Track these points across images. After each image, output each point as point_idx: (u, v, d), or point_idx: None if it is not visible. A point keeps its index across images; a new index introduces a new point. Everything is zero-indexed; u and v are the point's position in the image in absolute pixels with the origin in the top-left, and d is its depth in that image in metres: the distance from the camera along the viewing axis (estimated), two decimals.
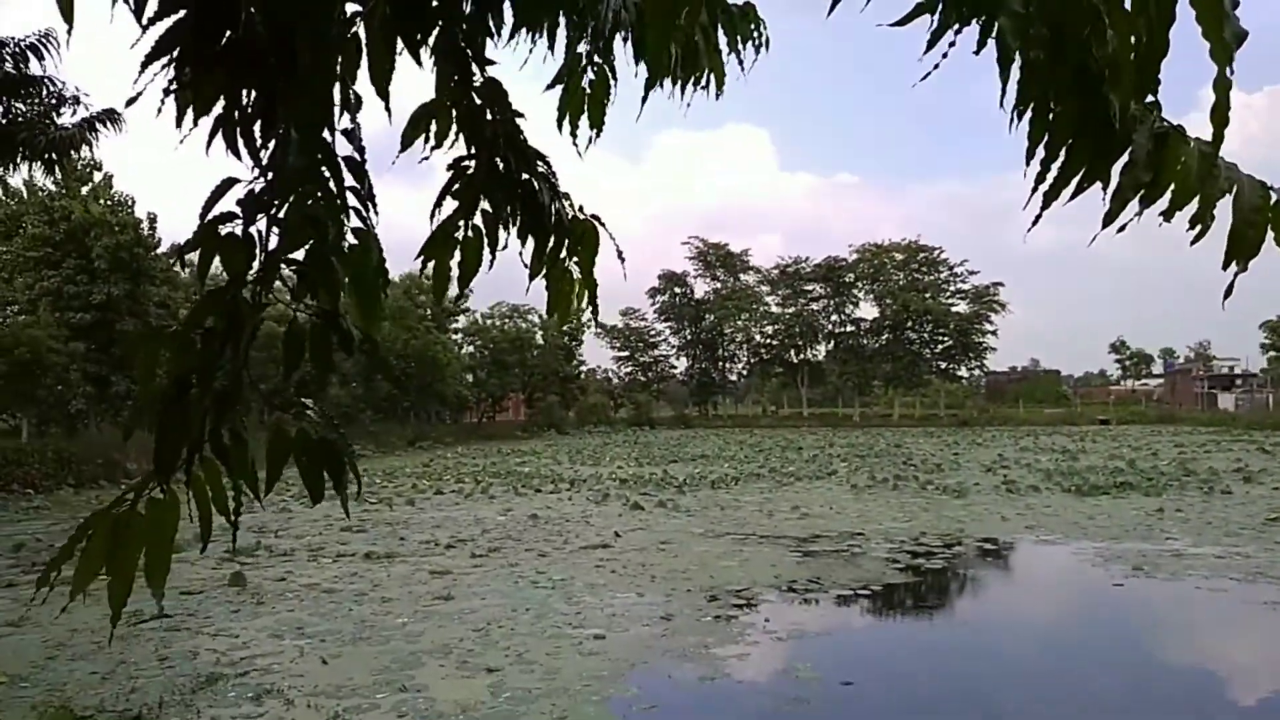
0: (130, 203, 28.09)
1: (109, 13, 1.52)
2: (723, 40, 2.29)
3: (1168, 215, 1.42)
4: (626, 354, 69.74)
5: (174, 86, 1.59)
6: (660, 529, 13.66)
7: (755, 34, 2.29)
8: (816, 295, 68.93)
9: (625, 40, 2.11)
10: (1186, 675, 7.46)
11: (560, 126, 2.25)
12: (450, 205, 1.93)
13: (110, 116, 16.73)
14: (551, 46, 2.13)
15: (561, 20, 2.09)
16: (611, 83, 2.20)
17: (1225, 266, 1.41)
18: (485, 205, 1.93)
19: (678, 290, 69.48)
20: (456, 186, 1.93)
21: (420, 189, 1.92)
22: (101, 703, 5.99)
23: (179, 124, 1.61)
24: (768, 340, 70.26)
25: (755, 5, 2.30)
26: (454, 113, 1.90)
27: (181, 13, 1.53)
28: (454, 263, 1.95)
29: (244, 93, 1.60)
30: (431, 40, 1.78)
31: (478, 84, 1.89)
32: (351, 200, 1.67)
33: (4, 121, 15.74)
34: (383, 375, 34.45)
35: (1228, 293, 1.44)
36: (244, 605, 8.91)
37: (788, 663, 7.10)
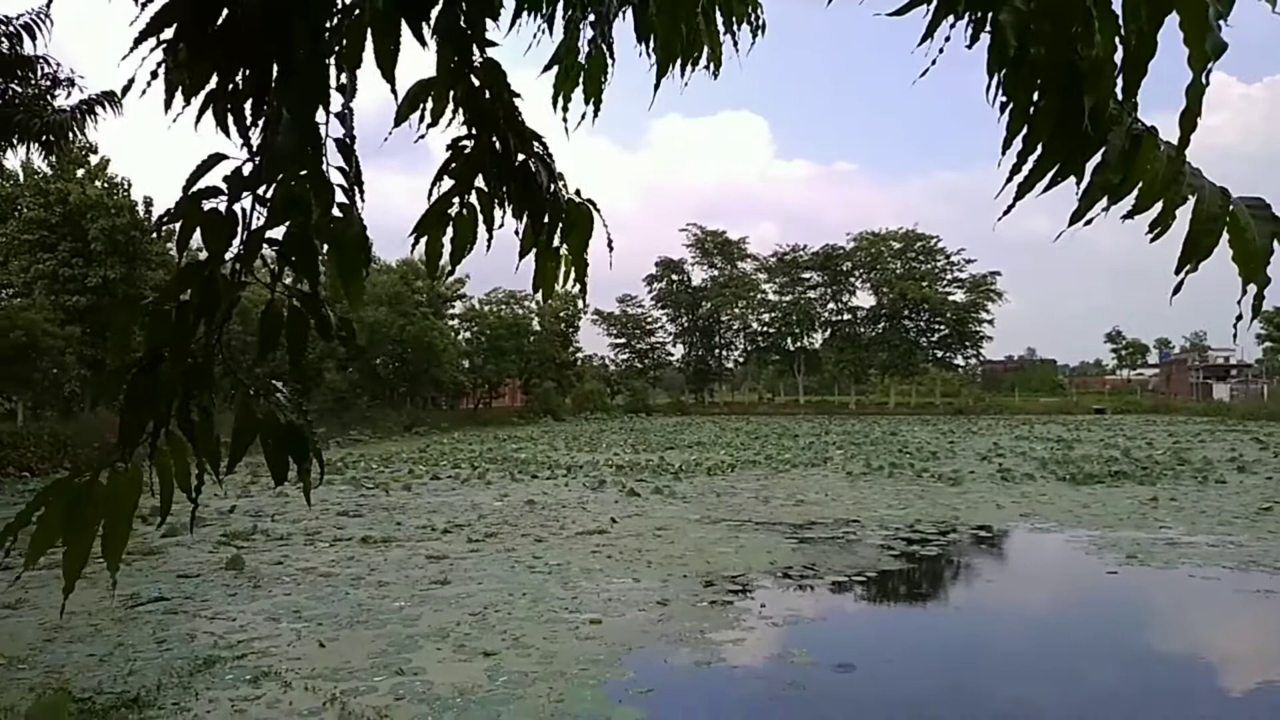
0: (127, 185, 27.96)
1: None
2: (719, 22, 2.28)
3: (1131, 215, 1.44)
4: (623, 341, 69.81)
5: (168, 66, 1.58)
6: (656, 515, 13.69)
7: (752, 16, 2.28)
8: (814, 283, 68.95)
9: (623, 18, 2.10)
10: (1179, 663, 7.50)
11: (555, 105, 2.24)
12: (447, 184, 1.92)
13: (109, 99, 16.63)
14: (550, 27, 2.12)
15: (561, 1, 2.07)
16: (609, 62, 2.19)
17: (1179, 271, 1.44)
18: (481, 184, 1.92)
19: (675, 277, 69.49)
20: (454, 165, 1.92)
21: (414, 174, 1.93)
22: (99, 685, 6.00)
23: (167, 105, 1.60)
24: (764, 328, 70.33)
25: None
26: (452, 93, 1.88)
27: None
28: (447, 240, 1.94)
29: (237, 72, 1.59)
30: (433, 20, 1.77)
31: (477, 64, 1.88)
32: (338, 181, 1.67)
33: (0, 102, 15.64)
34: (353, 357, 34.28)
35: (1175, 290, 1.47)
36: (241, 589, 8.92)
37: (783, 648, 7.14)
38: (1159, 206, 1.44)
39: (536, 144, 1.94)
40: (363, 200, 1.66)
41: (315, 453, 1.66)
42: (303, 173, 1.63)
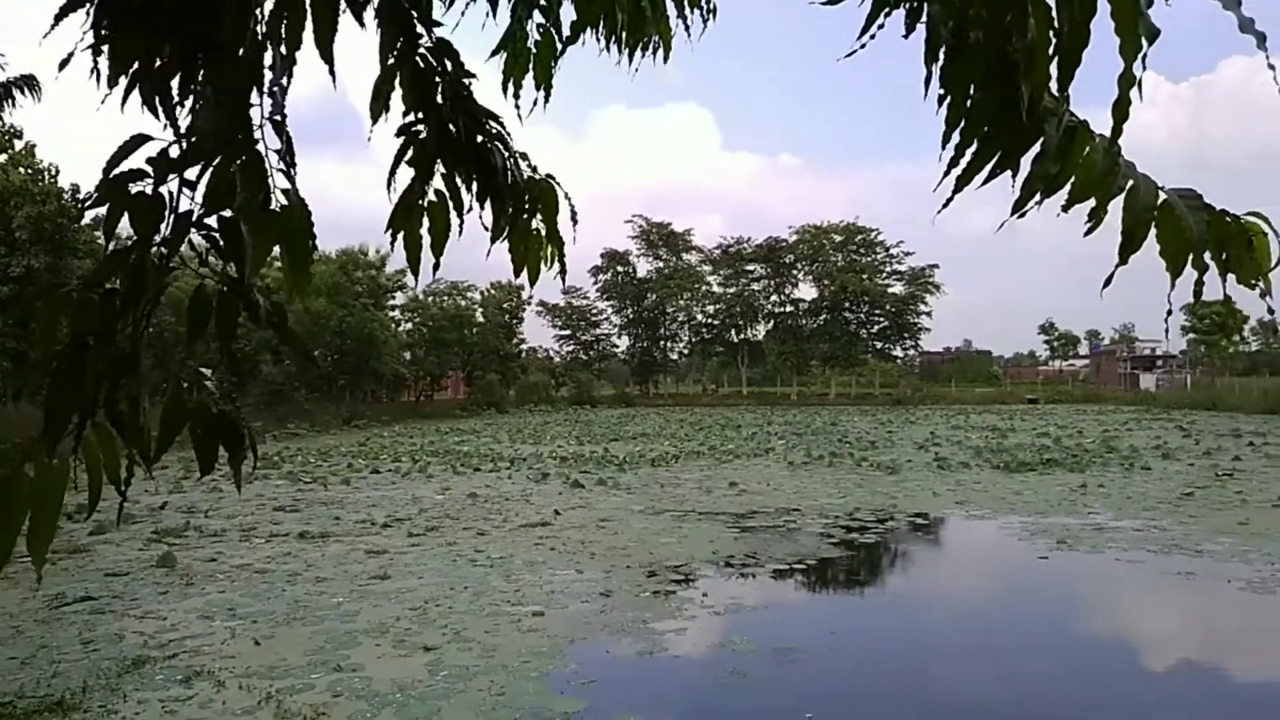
0: (54, 171, 26.95)
1: None
2: (672, 10, 2.26)
3: (1067, 207, 1.46)
4: (568, 332, 69.65)
5: (93, 44, 1.51)
6: (600, 507, 13.70)
7: (703, 1, 2.26)
8: (757, 275, 69.59)
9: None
10: (1107, 644, 7.75)
11: (505, 91, 2.20)
12: (407, 175, 1.88)
13: (29, 83, 16.01)
14: (494, 10, 2.08)
15: None
16: (558, 45, 2.16)
17: (1122, 260, 1.47)
18: (443, 170, 1.88)
19: (620, 269, 69.51)
20: (410, 153, 1.87)
21: (352, 163, 1.87)
22: (21, 688, 5.79)
23: (107, 83, 1.53)
24: (709, 319, 70.77)
25: None
26: (399, 77, 1.84)
27: None
28: (423, 231, 1.90)
29: (162, 49, 1.53)
30: (375, 2, 1.73)
31: (427, 46, 1.84)
32: (277, 163, 1.62)
33: None
34: (288, 347, 33.63)
35: (1107, 283, 1.50)
36: (173, 586, 8.69)
37: (725, 636, 7.20)
38: (1094, 198, 1.47)
39: (492, 123, 1.91)
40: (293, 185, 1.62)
41: (249, 442, 1.61)
42: (233, 154, 1.58)
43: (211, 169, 1.56)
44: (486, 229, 1.88)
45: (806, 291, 69.87)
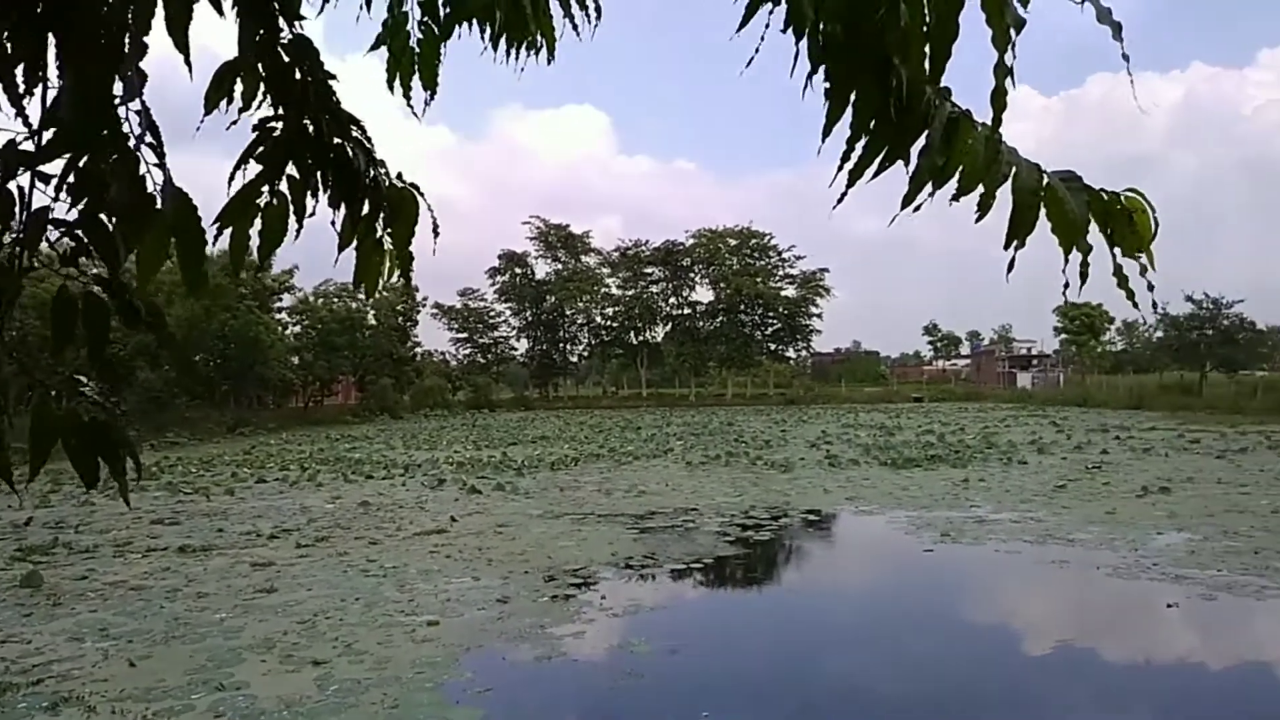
0: None
1: None
2: (557, 10, 2.24)
3: (956, 197, 1.51)
4: (465, 335, 68.54)
5: None
6: (498, 512, 13.54)
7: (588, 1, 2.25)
8: (655, 278, 70.02)
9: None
10: (989, 631, 8.13)
11: (391, 88, 2.15)
12: (254, 169, 1.80)
13: None
14: (368, 5, 2.03)
15: None
16: (441, 43, 2.12)
17: (1007, 246, 1.52)
18: (293, 170, 1.82)
19: (518, 270, 68.81)
20: (261, 149, 1.80)
21: (234, 158, 1.77)
22: None
23: None
24: (608, 322, 70.81)
25: None
26: (260, 70, 1.77)
27: None
28: (254, 231, 1.82)
29: (2, 33, 1.43)
30: None
31: (286, 40, 1.78)
32: (150, 157, 1.53)
33: None
34: (168, 352, 32.02)
35: (1010, 267, 1.55)
36: (38, 607, 8.16)
37: (623, 638, 7.22)
38: (982, 187, 1.52)
39: (354, 127, 1.86)
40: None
41: (129, 451, 1.52)
42: (100, 147, 1.49)
43: (76, 162, 1.47)
44: (338, 234, 1.83)
45: (703, 294, 70.78)
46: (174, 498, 15.80)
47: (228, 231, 1.79)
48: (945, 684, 6.55)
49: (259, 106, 1.80)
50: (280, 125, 1.80)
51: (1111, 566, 9.31)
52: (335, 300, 50.47)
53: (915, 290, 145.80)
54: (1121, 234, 1.50)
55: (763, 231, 69.02)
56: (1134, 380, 54.33)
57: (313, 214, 1.84)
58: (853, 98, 1.47)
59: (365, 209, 1.82)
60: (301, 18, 1.75)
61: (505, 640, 7.10)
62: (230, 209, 1.77)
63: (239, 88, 1.79)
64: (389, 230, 1.89)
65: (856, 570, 10.84)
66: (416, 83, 2.14)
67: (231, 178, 1.79)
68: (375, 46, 2.07)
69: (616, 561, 9.97)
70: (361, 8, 2.00)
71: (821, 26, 1.45)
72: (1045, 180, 1.49)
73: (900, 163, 1.53)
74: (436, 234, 1.92)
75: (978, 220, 1.51)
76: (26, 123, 1.43)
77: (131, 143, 1.52)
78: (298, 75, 1.74)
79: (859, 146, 1.49)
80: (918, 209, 1.53)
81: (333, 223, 1.82)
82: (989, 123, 1.45)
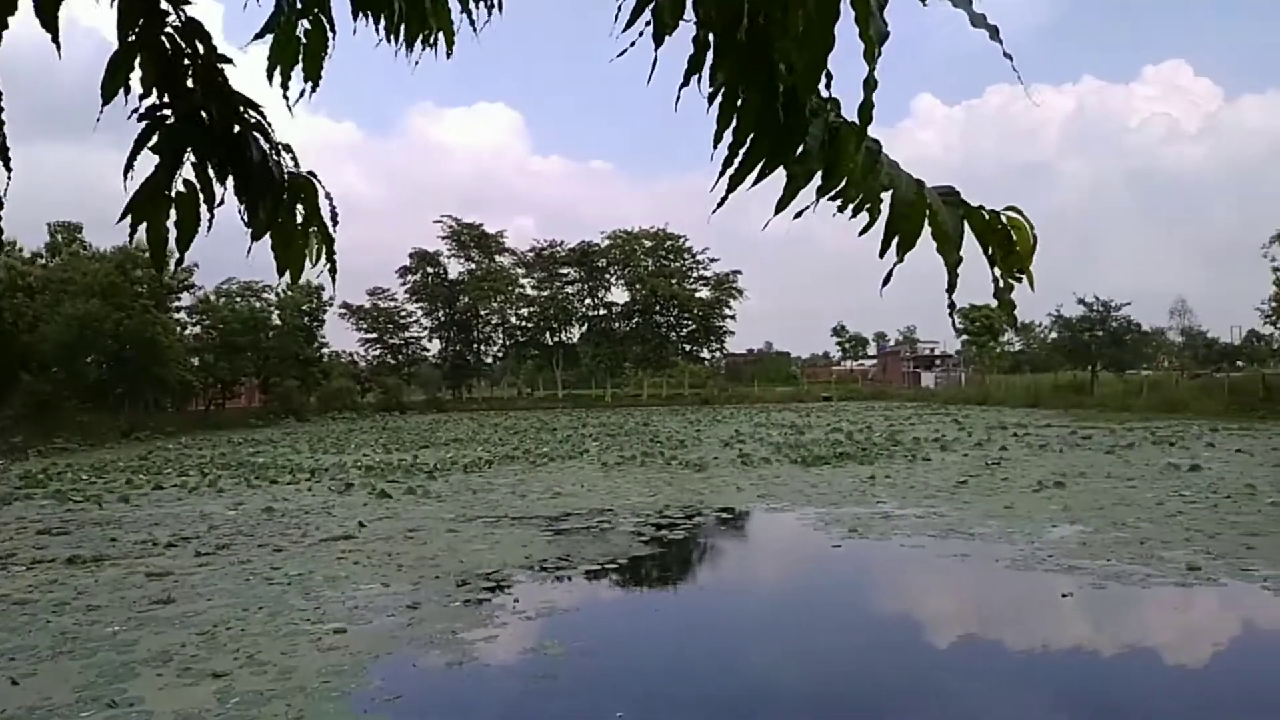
0: None
1: None
2: (455, 4, 2.20)
3: (841, 207, 1.54)
4: (374, 336, 67.08)
5: None
6: (409, 516, 13.28)
7: None
8: (571, 279, 69.92)
9: None
10: (895, 623, 8.36)
11: (270, 79, 2.07)
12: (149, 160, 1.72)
13: None
14: None
15: None
16: (330, 35, 2.05)
17: (882, 254, 1.55)
18: (194, 159, 1.74)
19: (430, 270, 67.73)
20: (156, 139, 1.72)
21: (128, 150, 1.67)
22: None
23: None
24: (523, 322, 70.36)
25: None
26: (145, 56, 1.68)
27: None
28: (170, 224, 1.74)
29: None
30: None
31: (176, 25, 1.69)
32: None
33: None
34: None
35: (886, 280, 1.59)
36: None
37: (537, 641, 7.16)
38: (862, 196, 1.54)
39: (251, 112, 1.78)
40: (9, 174, 1.44)
41: None
42: None
43: None
44: (247, 226, 1.76)
45: (619, 295, 71.03)
46: (62, 506, 15.01)
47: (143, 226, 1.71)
48: (855, 678, 6.71)
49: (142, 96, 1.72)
50: (170, 113, 1.72)
51: (1010, 559, 9.67)
52: (238, 299, 48.80)
53: (824, 292, 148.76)
54: (1001, 253, 1.55)
55: (678, 233, 69.71)
56: (1030, 379, 56.70)
57: (221, 203, 1.76)
58: (738, 104, 1.48)
59: (269, 197, 1.75)
60: (188, 1, 1.67)
61: (415, 646, 6.96)
62: (138, 202, 1.68)
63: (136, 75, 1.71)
64: (304, 214, 1.82)
65: (768, 567, 11.01)
66: (298, 72, 2.06)
67: (126, 172, 1.70)
68: (261, 34, 1.99)
69: (530, 564, 9.89)
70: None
71: (709, 33, 1.45)
72: (925, 196, 1.53)
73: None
74: (335, 223, 1.86)
75: (862, 232, 1.54)
76: None
77: None
78: (186, 61, 1.66)
79: (741, 153, 1.51)
80: (799, 215, 1.55)
81: (240, 213, 1.74)
82: (873, 135, 1.48)
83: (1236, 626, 7.90)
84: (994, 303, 1.61)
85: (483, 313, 68.46)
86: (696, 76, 1.48)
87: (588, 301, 70.95)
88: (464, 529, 12.08)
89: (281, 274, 1.87)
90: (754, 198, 1.57)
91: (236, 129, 1.71)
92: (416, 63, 2.11)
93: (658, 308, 69.23)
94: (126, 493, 16.75)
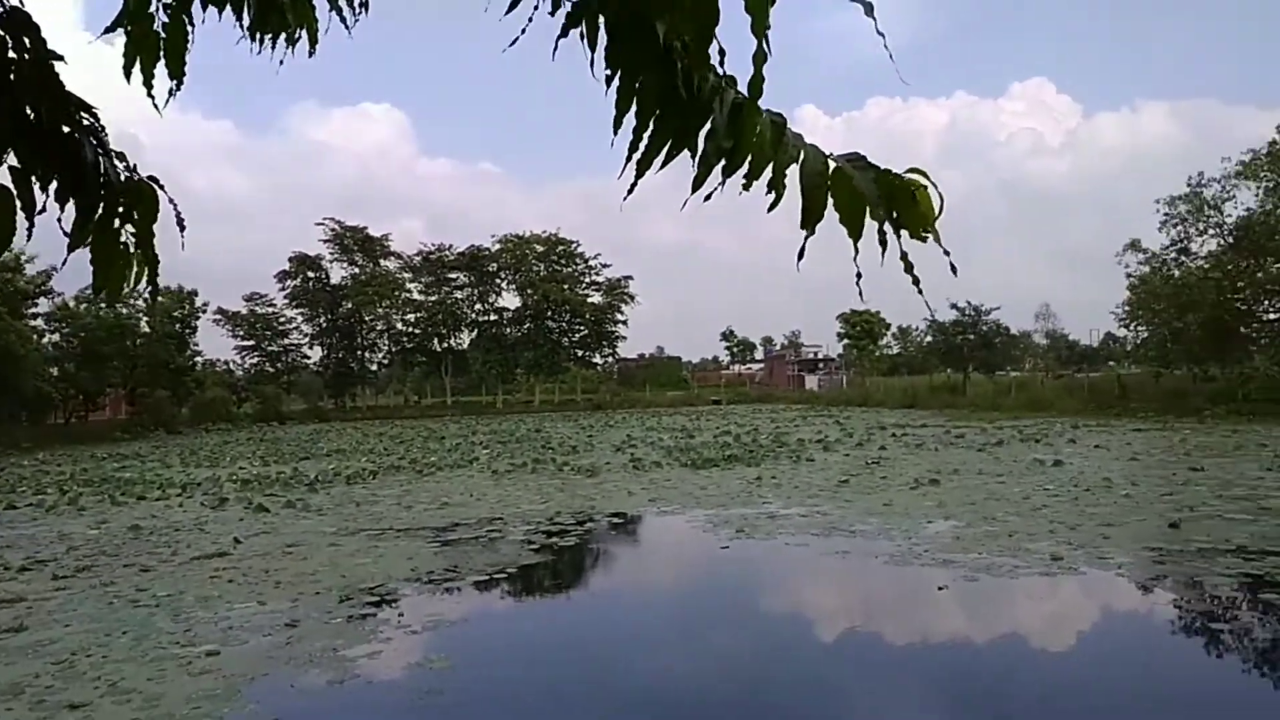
0: None
1: None
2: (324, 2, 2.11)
3: (748, 184, 1.53)
4: (251, 343, 64.38)
5: None
6: (287, 531, 12.77)
7: None
8: (460, 283, 68.82)
9: None
10: (783, 621, 8.53)
11: (128, 75, 1.94)
12: None
13: None
14: None
15: None
16: (189, 29, 1.94)
17: (803, 225, 1.54)
18: (15, 162, 1.61)
19: (311, 274, 65.50)
20: None
21: None
22: None
23: None
24: (410, 328, 68.81)
25: None
26: None
27: None
28: None
29: None
30: None
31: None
32: None
33: None
34: None
35: (800, 254, 1.58)
36: None
37: (423, 655, 6.98)
38: (770, 170, 1.54)
39: (84, 113, 1.66)
40: None
41: None
42: None
43: None
44: (66, 234, 1.64)
45: (510, 300, 70.33)
46: None
47: None
48: (745, 676, 6.80)
49: None
50: None
51: (889, 554, 10.02)
52: (102, 306, 45.99)
53: (714, 298, 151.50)
54: (906, 213, 1.56)
55: (570, 238, 69.55)
56: (907, 381, 59.07)
57: (43, 210, 1.64)
58: (637, 86, 1.46)
59: (100, 205, 1.63)
60: None
61: (294, 666, 6.68)
62: None
63: None
64: (131, 227, 1.70)
65: (659, 570, 11.08)
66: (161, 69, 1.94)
67: None
68: (111, 28, 1.86)
69: (416, 576, 9.65)
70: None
71: (601, 14, 1.43)
72: (832, 165, 1.53)
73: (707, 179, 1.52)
74: (182, 228, 1.75)
75: (771, 208, 1.54)
76: None
77: None
78: (11, 55, 1.53)
79: (646, 135, 1.49)
80: (708, 198, 1.54)
81: (59, 220, 1.62)
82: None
83: (1095, 611, 8.39)
84: (872, 307, 1.63)
85: (367, 318, 66.62)
86: (600, 64, 1.44)
87: (478, 307, 69.99)
88: (346, 542, 11.70)
89: (99, 291, 1.75)
90: (652, 204, 1.55)
91: (68, 130, 1.59)
92: (281, 62, 2.02)
93: (549, 313, 68.89)
94: None
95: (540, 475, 19.17)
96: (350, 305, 65.01)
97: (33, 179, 1.60)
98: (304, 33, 2.04)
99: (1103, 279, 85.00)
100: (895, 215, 1.55)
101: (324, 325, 66.14)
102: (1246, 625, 7.39)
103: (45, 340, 43.49)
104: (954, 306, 51.60)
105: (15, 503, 17.09)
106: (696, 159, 1.51)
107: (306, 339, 66.64)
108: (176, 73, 1.96)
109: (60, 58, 1.60)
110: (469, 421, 48.93)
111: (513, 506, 14.53)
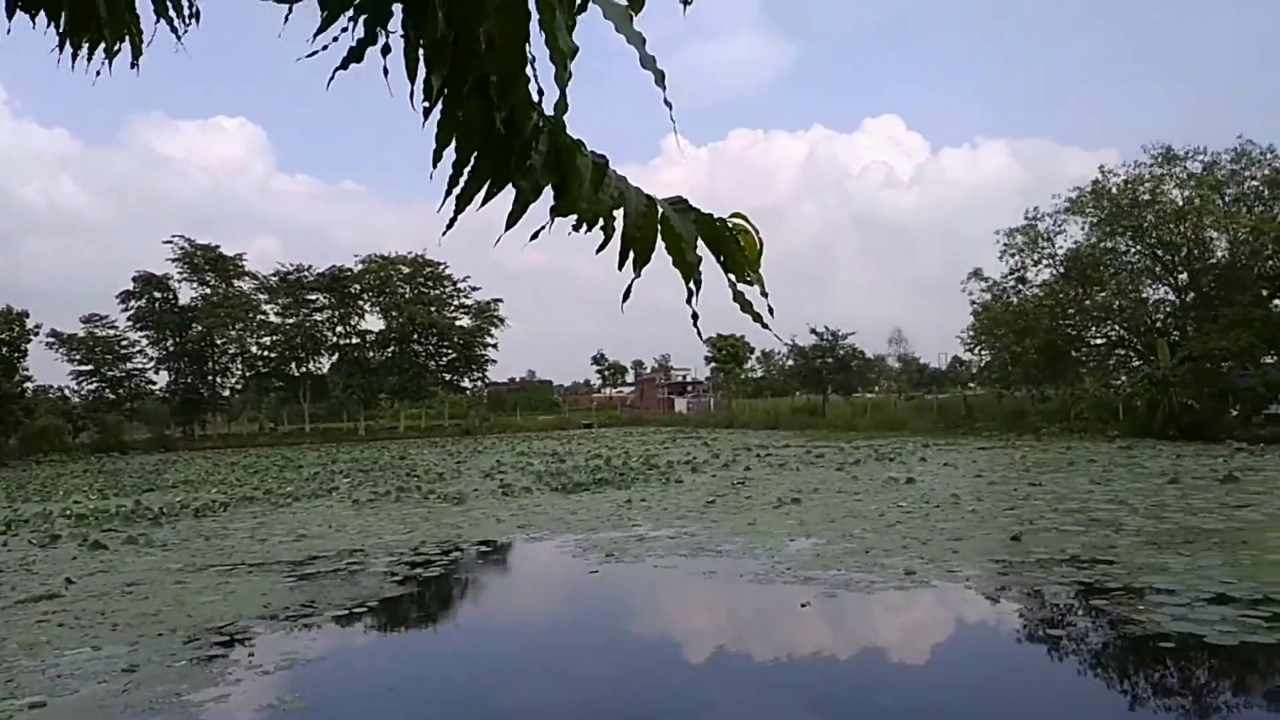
0: None
1: None
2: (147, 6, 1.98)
3: (576, 226, 1.53)
4: (90, 368, 59.89)
5: None
6: (128, 569, 11.90)
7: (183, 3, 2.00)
8: (320, 305, 66.19)
9: None
10: (653, 644, 8.55)
11: None
12: None
13: None
14: None
15: None
16: None
17: (620, 267, 1.56)
18: None
19: (158, 295, 61.58)
20: None
21: None
22: None
23: None
24: (266, 352, 65.59)
25: None
26: None
27: None
28: None
29: None
30: None
31: None
32: None
33: None
34: None
35: (626, 296, 1.60)
36: None
37: (276, 696, 6.62)
38: (597, 211, 1.53)
39: None
40: None
41: None
42: None
43: None
44: None
45: (374, 323, 68.13)
46: None
47: None
48: (616, 701, 6.77)
49: None
50: None
51: (754, 573, 10.23)
52: None
53: (585, 321, 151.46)
54: (732, 257, 1.60)
55: (437, 260, 68.12)
56: (771, 403, 60.94)
57: None
58: (459, 118, 1.44)
59: None
60: None
61: (131, 715, 6.20)
62: None
63: None
64: None
65: (528, 597, 10.92)
66: None
67: None
68: None
69: (270, 613, 9.17)
70: None
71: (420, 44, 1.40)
72: (659, 208, 1.56)
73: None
74: None
75: (599, 250, 1.54)
76: None
77: None
78: None
79: (466, 171, 1.47)
80: (535, 236, 1.53)
81: None
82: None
83: (947, 622, 8.82)
84: (739, 332, 1.66)
85: (219, 341, 63.14)
86: (416, 87, 1.41)
87: (339, 329, 67.45)
88: (193, 579, 11.01)
89: None
90: (524, 226, 1.53)
91: None
92: (98, 72, 1.89)
93: (416, 336, 67.18)
94: None
95: (404, 504, 18.62)
96: (201, 328, 61.45)
97: None
98: (126, 45, 1.91)
99: (950, 305, 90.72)
100: (722, 259, 1.60)
101: (171, 349, 62.28)
102: (1082, 631, 7.92)
103: None
104: (813, 331, 53.72)
105: None
106: (514, 196, 1.50)
107: (152, 363, 62.52)
108: None
109: None
110: (329, 449, 47.08)
111: (375, 537, 14.04)
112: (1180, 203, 34.00)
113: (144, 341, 61.65)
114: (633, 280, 1.56)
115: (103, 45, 1.86)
